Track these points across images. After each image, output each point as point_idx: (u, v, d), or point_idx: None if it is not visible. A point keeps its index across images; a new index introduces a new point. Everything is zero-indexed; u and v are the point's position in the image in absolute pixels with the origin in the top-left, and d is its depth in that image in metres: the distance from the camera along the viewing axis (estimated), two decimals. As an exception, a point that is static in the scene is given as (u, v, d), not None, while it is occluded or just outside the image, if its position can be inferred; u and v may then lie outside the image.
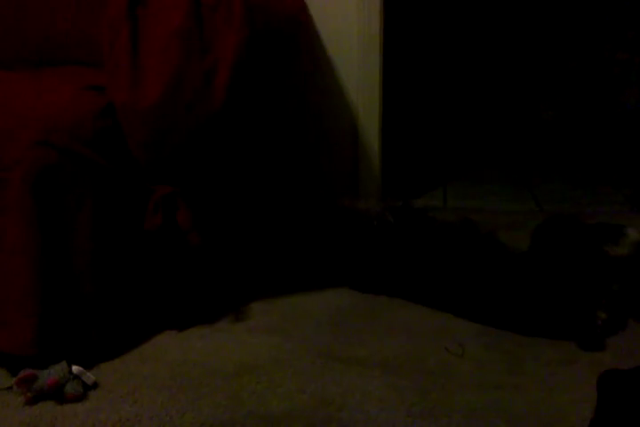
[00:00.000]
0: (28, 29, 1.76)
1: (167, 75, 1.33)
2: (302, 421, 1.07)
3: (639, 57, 2.95)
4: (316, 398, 1.13)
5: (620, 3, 2.95)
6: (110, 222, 1.30)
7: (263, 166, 1.74)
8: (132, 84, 1.34)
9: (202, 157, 1.39)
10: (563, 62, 3.19)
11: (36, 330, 1.17)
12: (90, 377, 1.17)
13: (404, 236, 1.56)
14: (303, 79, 2.09)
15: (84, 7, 1.75)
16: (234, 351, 1.30)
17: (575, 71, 3.17)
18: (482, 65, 3.28)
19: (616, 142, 2.86)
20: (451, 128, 3.27)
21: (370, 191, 2.22)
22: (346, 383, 1.18)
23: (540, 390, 1.14)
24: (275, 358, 1.27)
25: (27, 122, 1.23)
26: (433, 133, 3.22)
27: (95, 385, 1.18)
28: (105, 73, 1.38)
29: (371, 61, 2.10)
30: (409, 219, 1.60)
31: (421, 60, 3.16)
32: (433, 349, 1.30)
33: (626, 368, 1.05)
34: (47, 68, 1.65)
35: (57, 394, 1.14)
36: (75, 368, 1.17)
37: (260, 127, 1.65)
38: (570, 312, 1.31)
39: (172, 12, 1.36)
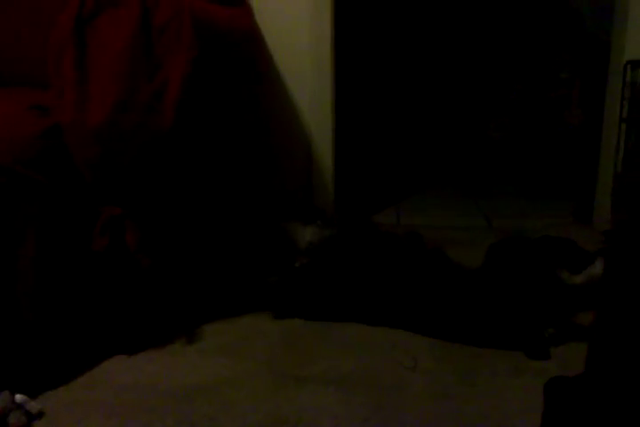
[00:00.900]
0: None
1: (114, 95, 1.32)
2: (255, 441, 1.06)
3: (580, 77, 3.08)
4: (270, 417, 1.12)
5: (559, 27, 3.10)
6: (56, 245, 1.27)
7: (216, 184, 1.73)
8: (78, 105, 1.33)
9: (151, 177, 1.38)
10: (509, 83, 3.31)
11: (-24, 358, 1.12)
12: (34, 406, 1.13)
13: (351, 252, 1.56)
14: (256, 97, 2.11)
15: (30, 25, 1.73)
16: (185, 374, 1.27)
17: (521, 91, 3.29)
18: (432, 85, 3.38)
19: (560, 159, 2.97)
20: (403, 147, 3.33)
21: (324, 209, 2.24)
22: (300, 401, 1.17)
23: (491, 400, 1.16)
24: (227, 379, 1.25)
25: (-33, 143, 1.20)
26: (386, 153, 3.28)
27: (40, 414, 1.14)
28: (50, 92, 1.36)
29: (323, 80, 2.14)
30: (356, 235, 1.61)
31: (374, 79, 3.23)
32: (386, 363, 1.30)
33: (571, 376, 1.07)
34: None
35: (-1, 425, 1.10)
36: (18, 397, 1.13)
37: (213, 145, 1.65)
38: (519, 326, 1.35)
39: (120, 32, 1.35)
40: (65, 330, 1.28)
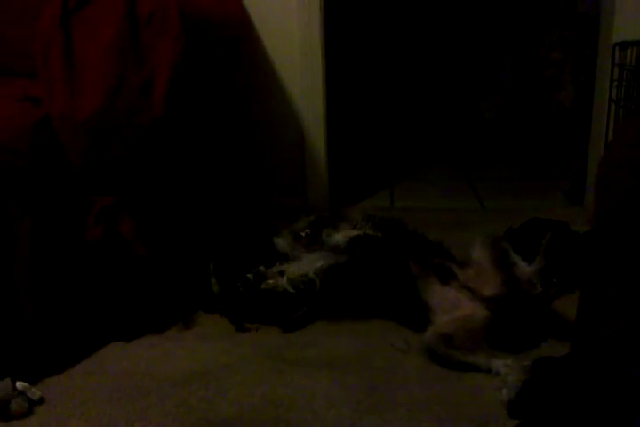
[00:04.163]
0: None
1: (104, 86, 1.33)
2: (251, 424, 1.09)
3: (571, 57, 3.08)
4: (264, 400, 1.15)
5: (550, 6, 3.08)
6: (51, 236, 1.28)
7: (209, 173, 1.74)
8: (68, 96, 1.33)
9: (143, 166, 1.39)
10: (500, 63, 3.30)
11: (-23, 348, 1.15)
12: (35, 393, 1.16)
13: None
14: (247, 85, 2.11)
15: (19, 15, 1.73)
16: (183, 359, 1.30)
17: (513, 72, 3.28)
18: (425, 68, 3.37)
19: (553, 139, 2.98)
20: (395, 130, 3.33)
21: (317, 194, 2.25)
22: (294, 384, 1.20)
23: (482, 378, 1.19)
24: (224, 364, 1.28)
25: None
26: (379, 136, 3.28)
27: (41, 400, 1.16)
28: (39, 84, 1.37)
29: (313, 67, 2.14)
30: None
31: (364, 63, 3.22)
32: (380, 346, 1.33)
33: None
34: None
35: (1, 411, 1.12)
36: (19, 384, 1.15)
37: (204, 134, 1.65)
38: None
39: (106, 22, 1.35)
40: (64, 320, 1.30)
